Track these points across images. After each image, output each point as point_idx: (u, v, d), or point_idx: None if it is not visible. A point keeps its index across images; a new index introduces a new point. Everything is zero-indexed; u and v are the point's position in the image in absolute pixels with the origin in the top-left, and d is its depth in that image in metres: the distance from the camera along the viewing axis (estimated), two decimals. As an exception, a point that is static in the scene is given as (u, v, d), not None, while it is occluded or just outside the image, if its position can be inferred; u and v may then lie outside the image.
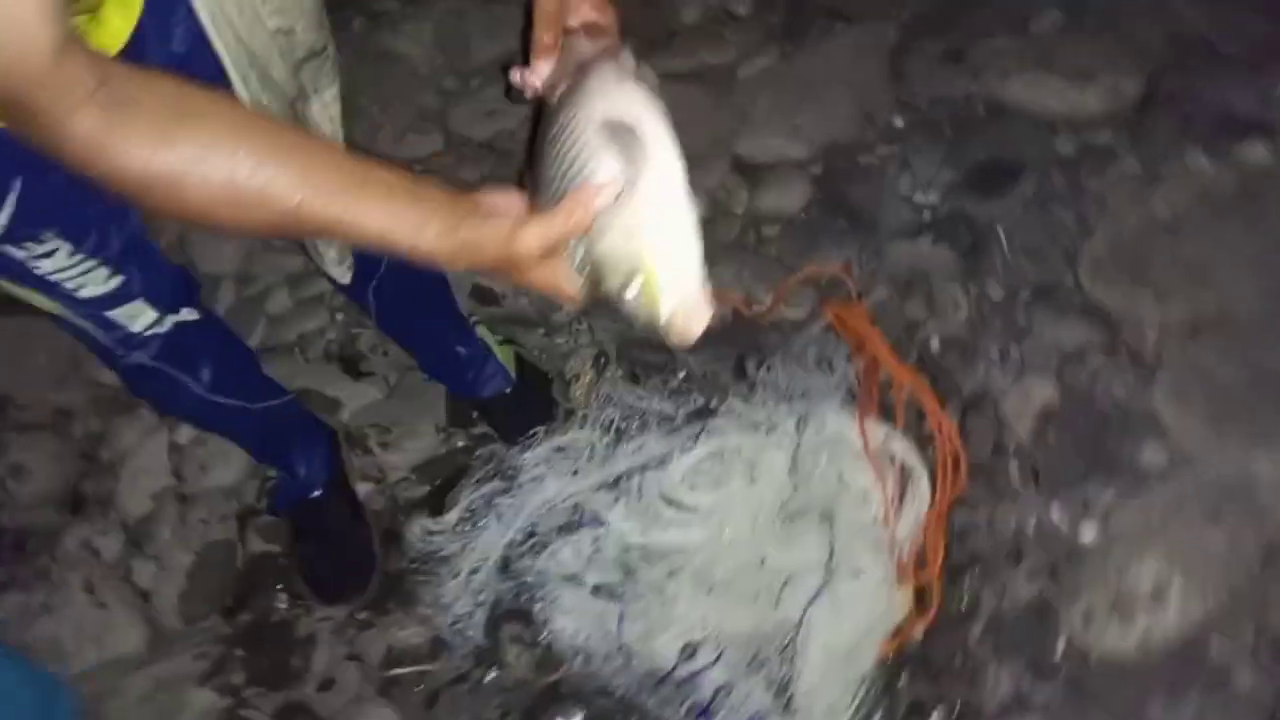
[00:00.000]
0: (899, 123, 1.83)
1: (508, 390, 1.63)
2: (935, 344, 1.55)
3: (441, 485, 1.63)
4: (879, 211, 1.72)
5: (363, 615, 1.55)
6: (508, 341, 1.69)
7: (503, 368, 1.62)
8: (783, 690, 1.32)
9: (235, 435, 1.52)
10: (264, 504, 1.68)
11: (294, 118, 1.06)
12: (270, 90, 0.99)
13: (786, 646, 1.34)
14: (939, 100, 1.81)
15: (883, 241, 1.68)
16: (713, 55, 2.02)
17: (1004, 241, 1.61)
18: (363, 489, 1.66)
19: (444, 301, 1.56)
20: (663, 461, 1.49)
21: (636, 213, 0.70)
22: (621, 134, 0.72)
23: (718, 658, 1.37)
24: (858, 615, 1.33)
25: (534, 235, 0.70)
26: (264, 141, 0.68)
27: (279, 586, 1.62)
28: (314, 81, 1.09)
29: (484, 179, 1.96)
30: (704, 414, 1.55)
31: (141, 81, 0.65)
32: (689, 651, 1.38)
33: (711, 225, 1.78)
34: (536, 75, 0.89)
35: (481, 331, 1.64)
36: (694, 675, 1.36)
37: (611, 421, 1.56)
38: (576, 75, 0.81)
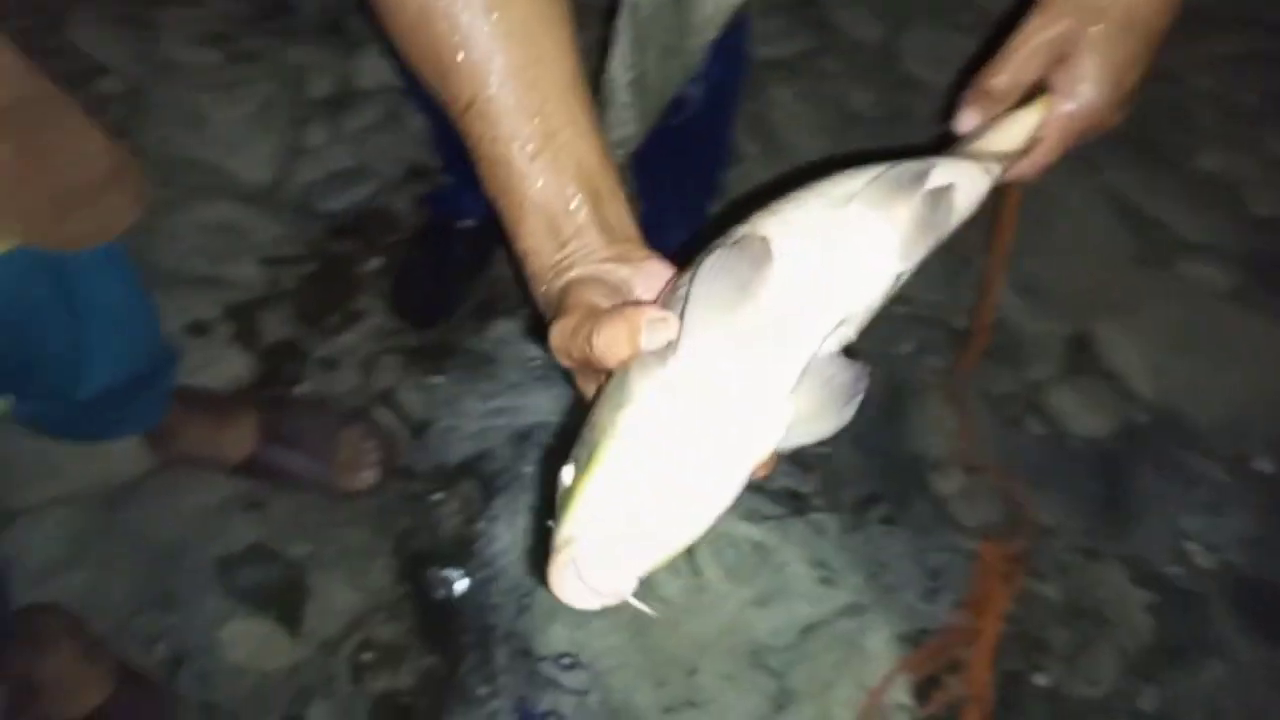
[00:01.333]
0: (1268, 467, 1.44)
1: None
2: (1039, 682, 1.26)
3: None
4: (1138, 516, 1.39)
5: (403, 344, 1.48)
6: None
7: None
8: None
9: (437, 128, 1.40)
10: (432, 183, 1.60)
11: None
12: None
13: None
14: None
15: (1106, 543, 1.36)
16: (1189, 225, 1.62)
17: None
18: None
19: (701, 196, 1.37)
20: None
21: (642, 388, 0.43)
22: (734, 267, 0.44)
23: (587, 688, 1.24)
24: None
25: (557, 330, 0.48)
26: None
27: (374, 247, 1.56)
28: None
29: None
30: (793, 503, 1.34)
31: None
32: (570, 660, 1.25)
33: (1002, 365, 1.49)
34: (961, 120, 0.64)
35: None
36: (557, 676, 1.25)
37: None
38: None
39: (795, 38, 1.87)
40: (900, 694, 1.22)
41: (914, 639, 1.26)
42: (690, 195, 1.40)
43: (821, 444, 1.35)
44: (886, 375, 1.46)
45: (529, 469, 1.34)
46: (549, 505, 0.43)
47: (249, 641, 1.22)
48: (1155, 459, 1.43)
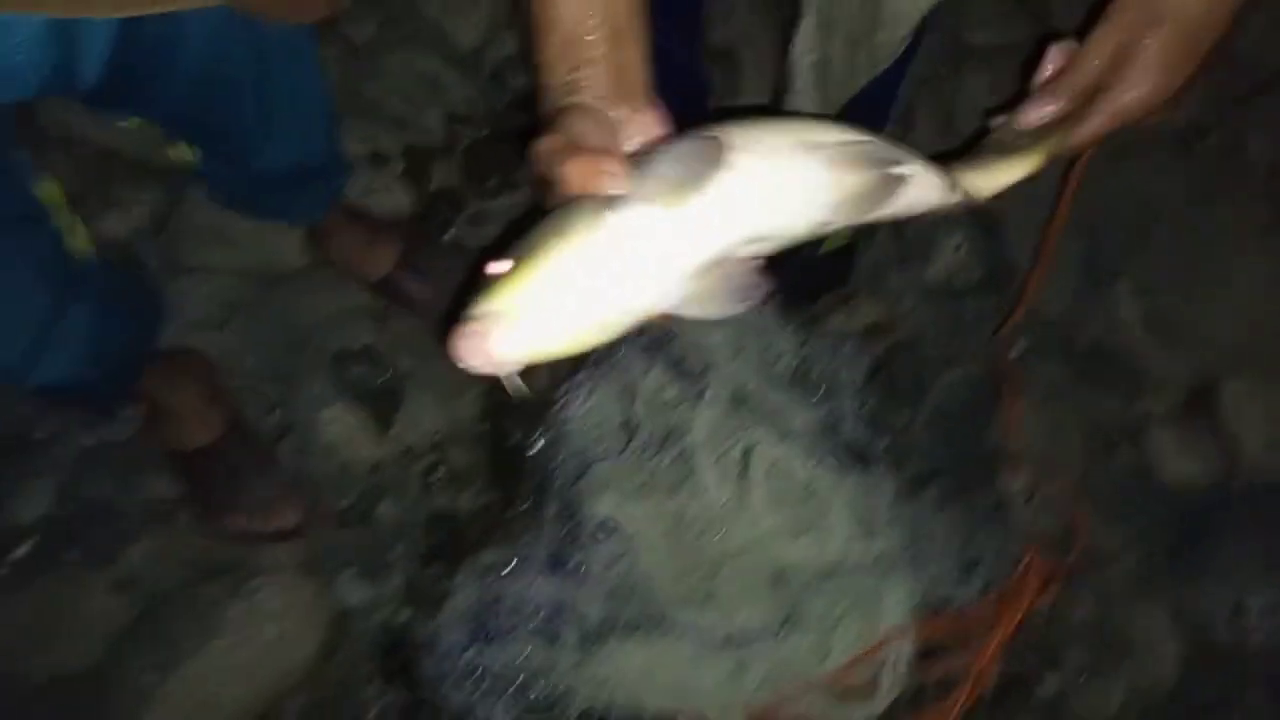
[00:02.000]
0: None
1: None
2: (1039, 691, 1.27)
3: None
4: (1203, 571, 1.36)
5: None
6: None
7: None
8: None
9: None
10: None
11: None
12: None
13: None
14: None
15: (1159, 586, 1.34)
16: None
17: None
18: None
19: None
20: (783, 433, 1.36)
21: (593, 222, 0.52)
22: (692, 159, 0.53)
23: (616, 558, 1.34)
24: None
25: (540, 144, 0.55)
26: None
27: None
28: None
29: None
30: (856, 456, 1.38)
31: None
32: (609, 529, 1.35)
33: (1114, 392, 1.46)
34: (1027, 108, 0.73)
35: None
36: (594, 539, 1.34)
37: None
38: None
39: (1012, 29, 1.83)
40: (899, 654, 1.25)
41: (931, 610, 1.28)
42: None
43: (902, 412, 1.37)
44: (988, 367, 1.46)
45: (620, 353, 1.43)
46: (474, 287, 0.53)
47: (344, 428, 1.38)
48: (1241, 524, 1.39)
